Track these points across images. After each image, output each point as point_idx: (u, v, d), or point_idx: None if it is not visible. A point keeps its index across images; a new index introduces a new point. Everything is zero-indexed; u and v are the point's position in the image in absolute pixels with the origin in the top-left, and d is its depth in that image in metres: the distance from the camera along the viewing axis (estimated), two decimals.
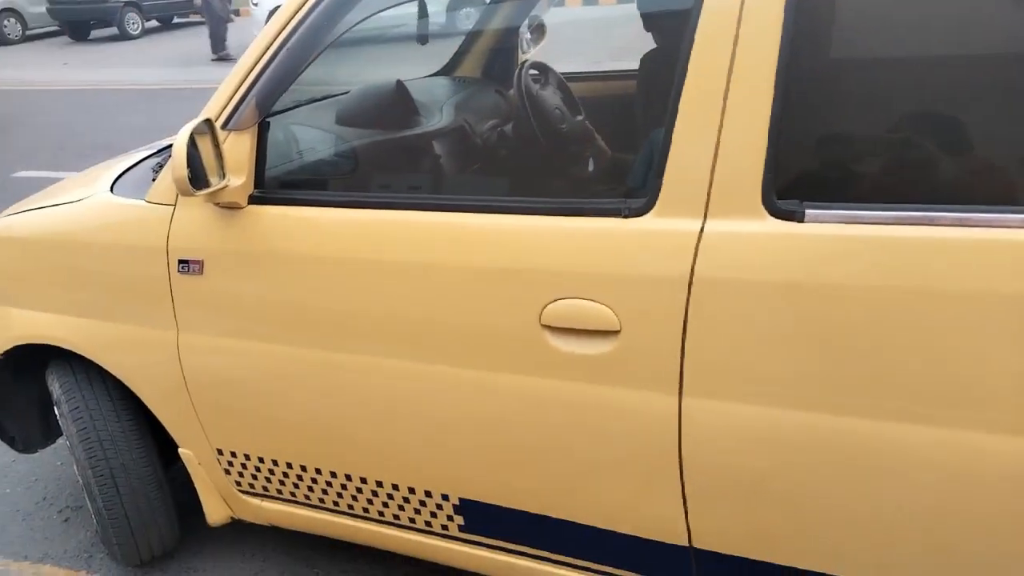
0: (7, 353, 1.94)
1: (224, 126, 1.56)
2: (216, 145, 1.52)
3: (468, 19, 2.75)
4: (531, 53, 2.68)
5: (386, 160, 2.03)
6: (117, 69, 11.64)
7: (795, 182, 1.24)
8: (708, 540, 1.38)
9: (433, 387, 1.49)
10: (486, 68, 2.68)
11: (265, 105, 1.55)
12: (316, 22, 1.52)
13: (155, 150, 2.21)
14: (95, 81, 10.73)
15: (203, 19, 17.32)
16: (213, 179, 1.51)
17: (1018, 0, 1.19)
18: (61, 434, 2.26)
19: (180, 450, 1.85)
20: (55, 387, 1.91)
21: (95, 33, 15.66)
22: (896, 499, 1.21)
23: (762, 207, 1.22)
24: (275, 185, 1.63)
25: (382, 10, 1.60)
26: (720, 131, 1.23)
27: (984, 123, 1.24)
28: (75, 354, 1.89)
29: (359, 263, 1.49)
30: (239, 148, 1.56)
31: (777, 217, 1.21)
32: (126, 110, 8.44)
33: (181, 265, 1.65)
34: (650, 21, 1.93)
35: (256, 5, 12.19)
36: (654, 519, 1.40)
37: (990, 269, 1.10)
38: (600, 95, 2.44)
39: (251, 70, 1.56)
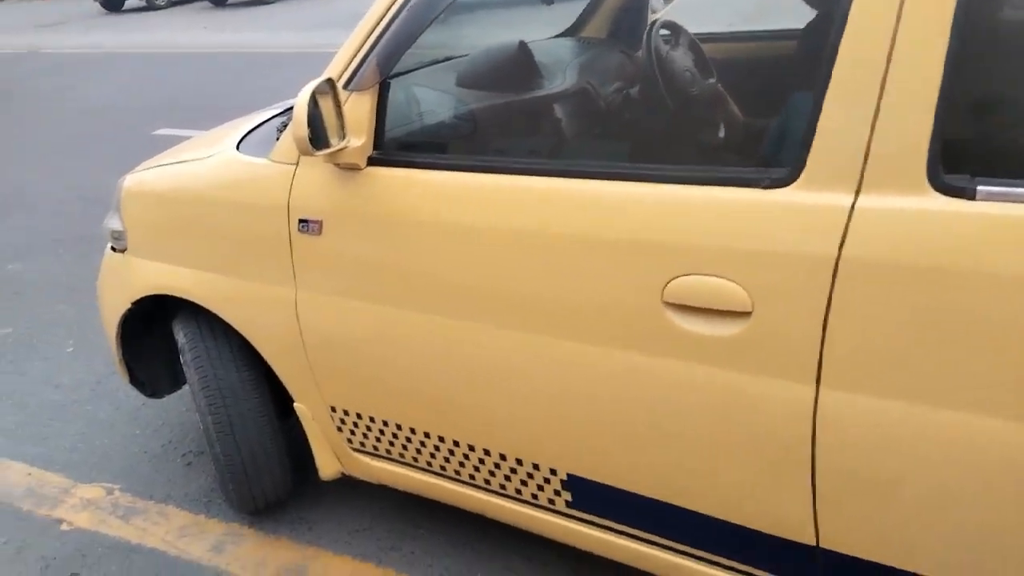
0: (138, 302, 2.03)
1: (345, 86, 1.54)
2: (337, 105, 1.50)
3: None
4: (661, 12, 2.54)
5: (507, 124, 1.97)
6: (253, 33, 12.09)
7: (967, 154, 1.10)
8: (838, 542, 1.27)
9: (546, 359, 1.43)
10: (613, 28, 2.56)
11: (387, 66, 1.52)
12: None
13: (281, 110, 2.23)
14: (232, 44, 11.19)
15: None
16: (333, 139, 1.49)
17: None
18: (186, 382, 2.36)
19: (295, 404, 1.88)
20: (180, 336, 1.97)
21: None
22: None
23: (926, 182, 1.08)
24: (394, 147, 1.60)
25: None
26: (881, 93, 1.09)
27: None
28: (200, 306, 1.94)
29: (477, 229, 1.45)
30: (360, 109, 1.54)
31: (944, 193, 1.07)
32: (261, 73, 8.75)
33: (301, 224, 1.65)
34: None
35: None
36: (779, 515, 1.30)
37: None
38: (734, 56, 2.29)
39: (373, 30, 1.52)
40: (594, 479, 1.50)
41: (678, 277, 1.25)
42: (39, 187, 5.24)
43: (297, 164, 1.67)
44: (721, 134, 1.97)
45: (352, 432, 1.83)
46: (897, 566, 1.23)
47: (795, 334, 1.18)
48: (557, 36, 2.56)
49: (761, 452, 1.27)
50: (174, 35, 12.57)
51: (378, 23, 1.52)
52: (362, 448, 1.85)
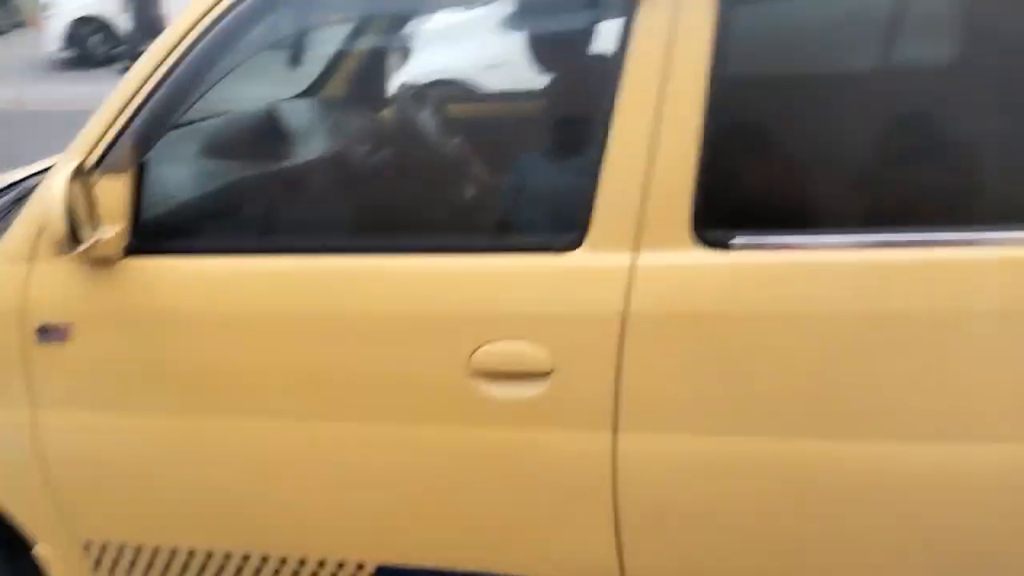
0: None
1: (94, 169, 1.33)
2: (88, 192, 1.29)
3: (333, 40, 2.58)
4: (403, 72, 2.55)
5: (270, 198, 1.83)
6: None
7: (722, 211, 1.23)
8: (642, 574, 1.33)
9: (348, 446, 1.36)
10: (354, 89, 2.51)
11: (146, 145, 1.34)
12: (203, 53, 1.33)
13: None
14: None
15: None
16: (87, 232, 1.28)
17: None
18: None
19: (36, 548, 1.56)
20: None
21: None
22: (844, 518, 1.22)
23: (690, 237, 1.20)
24: (154, 233, 1.41)
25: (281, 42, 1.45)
26: (649, 164, 1.21)
27: (907, 147, 1.28)
28: None
29: (253, 316, 1.34)
30: (114, 194, 1.34)
31: (705, 246, 1.20)
32: None
33: (42, 333, 1.39)
34: (558, 55, 1.83)
35: (51, 17, 11.20)
36: (586, 559, 1.35)
37: (909, 287, 1.14)
38: (490, 117, 2.35)
39: (127, 104, 1.34)
40: (407, 564, 1.43)
41: (483, 345, 1.26)
42: None
43: (30, 263, 1.40)
44: (508, 202, 2.00)
45: (112, 569, 1.56)
46: None
47: (593, 386, 1.25)
48: (298, 96, 2.45)
49: (567, 501, 1.31)
50: None
51: (133, 97, 1.34)
52: None
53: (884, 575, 1.24)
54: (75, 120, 7.95)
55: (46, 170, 2.04)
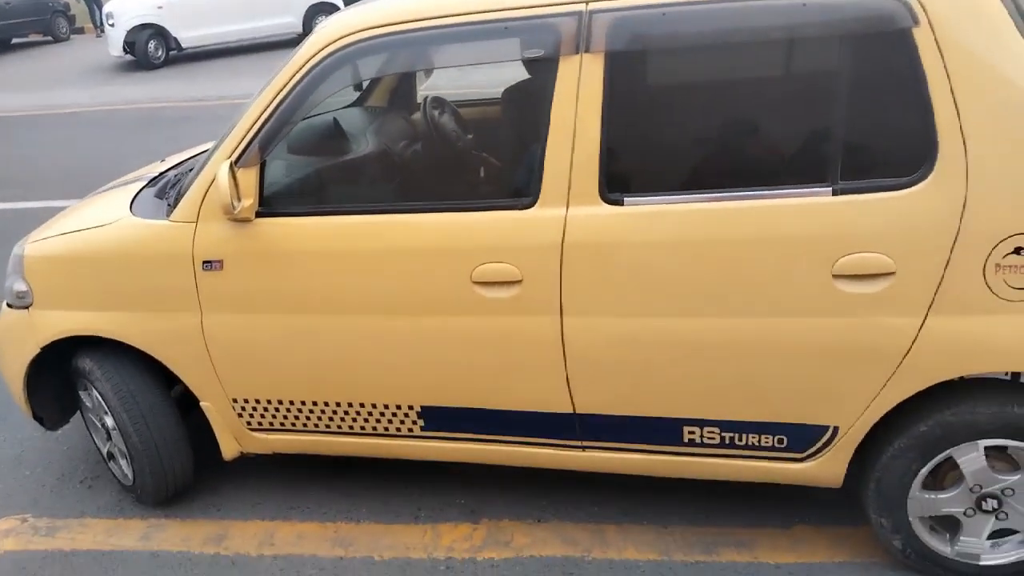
0: (46, 347, 2.49)
1: (236, 163, 2.20)
2: (234, 177, 2.16)
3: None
4: (425, 86, 3.41)
5: (342, 179, 2.70)
6: None
7: (617, 183, 2.02)
8: (586, 406, 2.17)
9: (395, 331, 2.20)
10: (391, 99, 3.37)
11: (266, 149, 2.21)
12: (301, 93, 2.18)
13: (149, 178, 2.82)
14: None
15: (44, 38, 16.77)
16: (235, 202, 2.14)
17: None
18: (75, 413, 2.81)
19: (202, 404, 2.47)
20: (89, 366, 2.47)
21: None
22: (702, 366, 2.04)
23: (599, 198, 2.00)
24: (273, 203, 2.28)
25: (348, 85, 2.29)
26: (572, 153, 2.00)
27: (719, 142, 2.09)
28: (104, 341, 2.46)
29: (336, 252, 2.19)
30: (248, 179, 2.21)
31: (608, 204, 2.00)
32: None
33: (205, 264, 2.28)
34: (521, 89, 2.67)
35: (112, 26, 12.12)
36: (550, 399, 2.18)
37: (721, 223, 1.91)
38: (480, 119, 3.21)
39: (255, 122, 2.20)
40: (438, 404, 2.29)
41: (480, 265, 2.09)
42: None
43: (196, 222, 2.29)
44: (483, 175, 2.87)
45: (251, 416, 2.46)
46: (622, 413, 2.15)
47: (546, 288, 2.06)
48: (349, 106, 3.31)
49: (533, 361, 2.13)
50: None
51: (257, 119, 2.20)
52: (259, 427, 2.48)
53: (722, 394, 2.06)
54: (142, 117, 9.11)
55: (193, 157, 2.97)
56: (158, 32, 12.13)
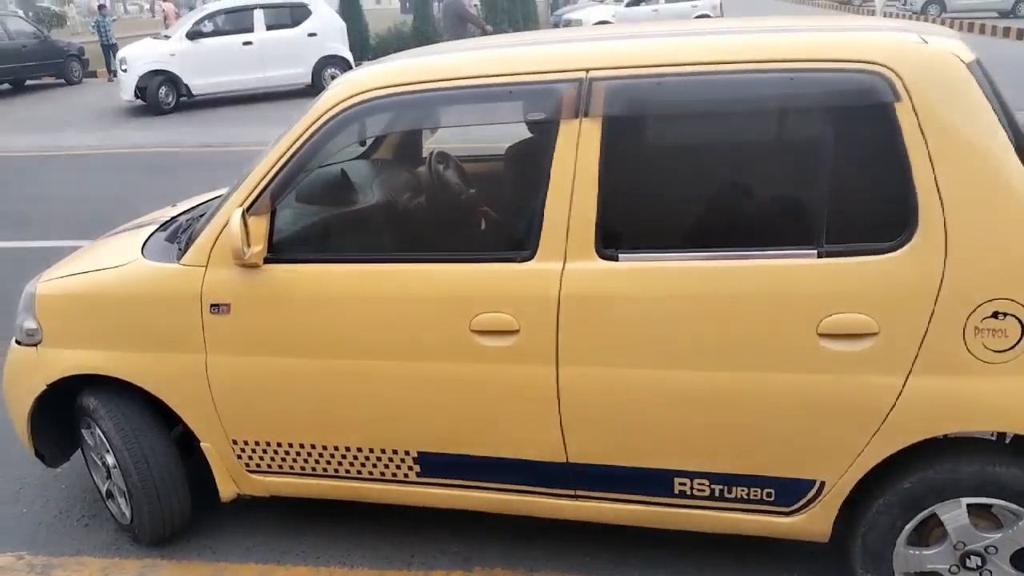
0: (52, 384, 2.55)
1: (248, 211, 2.29)
2: (245, 224, 2.25)
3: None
4: (431, 141, 3.53)
5: (348, 228, 2.79)
6: None
7: (611, 240, 2.11)
8: (577, 455, 2.23)
9: (396, 376, 2.27)
10: (396, 153, 3.48)
11: (277, 198, 2.32)
12: (313, 146, 2.30)
13: (161, 222, 2.91)
14: None
15: (55, 80, 17.12)
16: (245, 248, 2.23)
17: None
18: (75, 451, 2.86)
19: (202, 444, 2.52)
20: (93, 404, 2.53)
21: None
22: (692, 418, 2.10)
23: (594, 253, 2.09)
24: (281, 250, 2.37)
25: (358, 141, 2.39)
26: (570, 210, 2.10)
27: (709, 204, 2.20)
28: (109, 380, 2.52)
29: (340, 298, 2.28)
30: (259, 226, 2.30)
31: (603, 259, 2.09)
32: (16, 176, 8.56)
33: (213, 307, 2.36)
34: (522, 149, 2.79)
35: (125, 71, 12.41)
36: (545, 447, 2.23)
37: (708, 280, 2.00)
38: (484, 173, 3.32)
39: (266, 174, 2.31)
40: (434, 451, 2.34)
41: (479, 315, 2.16)
42: None
43: (207, 266, 2.37)
44: (484, 228, 2.96)
45: (250, 457, 2.51)
46: (613, 464, 2.21)
47: (542, 338, 2.13)
48: (357, 158, 3.42)
49: (529, 409, 2.19)
50: None
51: (271, 168, 2.31)
52: (257, 469, 2.53)
53: (711, 446, 2.12)
54: (151, 161, 9.31)
55: (204, 203, 3.07)
56: (169, 79, 12.45)
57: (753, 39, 2.06)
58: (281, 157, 2.31)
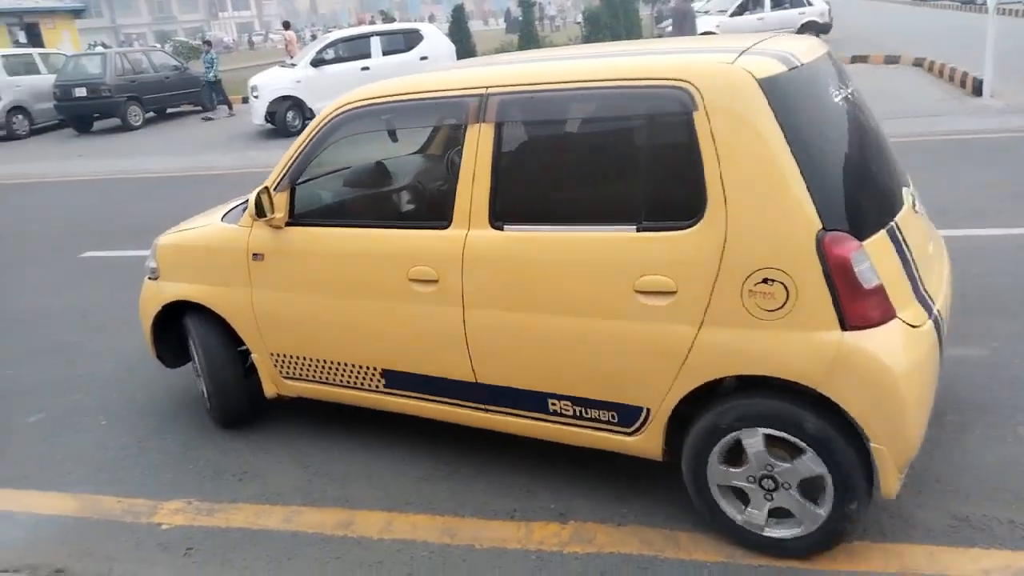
0: (165, 306, 3.65)
1: (274, 188, 3.10)
2: (270, 198, 3.08)
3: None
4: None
5: (335, 204, 3.56)
6: (126, 160, 12.76)
7: (500, 215, 2.74)
8: (483, 377, 2.89)
9: (366, 310, 3.05)
10: (443, 149, 4.00)
11: (294, 179, 3.18)
12: (314, 143, 3.09)
13: (238, 203, 3.78)
14: (109, 171, 11.83)
15: (194, 107, 18.51)
16: (269, 214, 3.06)
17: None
18: (188, 361, 3.85)
19: (252, 355, 3.42)
20: (189, 323, 3.59)
21: (98, 125, 16.83)
22: (550, 352, 2.70)
23: (488, 224, 2.73)
24: (298, 217, 3.19)
25: (345, 137, 3.13)
26: (472, 192, 2.72)
27: (560, 188, 2.79)
28: (198, 306, 3.54)
29: (336, 252, 3.09)
30: (281, 199, 3.12)
31: (493, 229, 2.73)
32: (151, 195, 9.55)
33: (254, 256, 3.27)
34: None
35: (256, 97, 13.42)
36: (459, 369, 2.92)
37: (569, 247, 2.61)
38: (417, 165, 4.01)
39: (288, 162, 3.12)
40: (391, 368, 3.11)
41: (412, 267, 2.89)
42: None
43: (252, 227, 3.23)
44: (422, 204, 3.72)
45: (283, 366, 3.44)
46: (506, 384, 2.84)
47: (453, 286, 2.77)
48: (412, 154, 4.04)
49: (447, 340, 2.88)
50: (46, 164, 12.99)
51: (290, 159, 3.11)
52: (288, 375, 3.45)
53: (567, 374, 2.70)
54: None
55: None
56: (296, 104, 13.40)
57: (599, 63, 2.65)
58: (297, 150, 3.13)
